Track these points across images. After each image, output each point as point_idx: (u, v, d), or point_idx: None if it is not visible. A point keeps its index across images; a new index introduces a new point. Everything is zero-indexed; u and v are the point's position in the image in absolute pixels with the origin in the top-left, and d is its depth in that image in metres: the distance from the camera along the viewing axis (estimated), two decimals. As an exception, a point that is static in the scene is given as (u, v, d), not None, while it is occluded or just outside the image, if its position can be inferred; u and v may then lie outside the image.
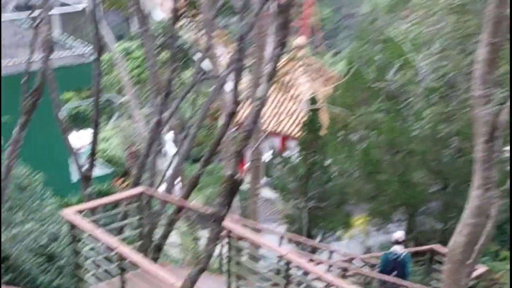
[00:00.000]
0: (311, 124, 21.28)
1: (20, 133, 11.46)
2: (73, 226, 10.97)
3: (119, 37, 27.96)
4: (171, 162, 15.23)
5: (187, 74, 23.90)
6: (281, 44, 10.05)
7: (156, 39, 17.74)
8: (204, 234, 12.51)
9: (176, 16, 15.77)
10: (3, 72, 18.18)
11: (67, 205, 14.84)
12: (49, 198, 13.93)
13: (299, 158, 21.62)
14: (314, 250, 17.85)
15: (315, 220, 20.97)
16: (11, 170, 11.76)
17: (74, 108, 25.84)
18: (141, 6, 15.24)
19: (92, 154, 14.66)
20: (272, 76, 11.61)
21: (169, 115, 15.33)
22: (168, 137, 18.23)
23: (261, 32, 17.63)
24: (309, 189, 20.87)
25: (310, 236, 20.15)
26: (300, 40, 30.87)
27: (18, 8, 24.82)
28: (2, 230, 12.07)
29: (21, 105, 11.25)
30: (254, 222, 14.92)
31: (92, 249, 10.90)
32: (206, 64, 21.26)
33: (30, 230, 12.10)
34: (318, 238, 21.15)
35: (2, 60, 19.00)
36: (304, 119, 22.31)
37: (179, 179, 15.51)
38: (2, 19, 22.24)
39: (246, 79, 19.22)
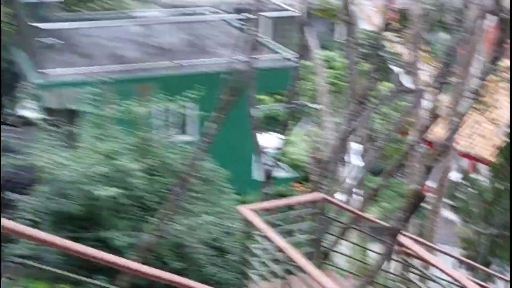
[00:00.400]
0: (506, 149, 20.27)
1: (213, 128, 11.91)
2: (247, 223, 11.21)
3: (323, 46, 28.14)
4: (353, 172, 15.12)
5: (384, 86, 23.62)
6: (493, 62, 9.66)
7: (360, 49, 17.68)
8: (374, 247, 12.30)
9: (384, 28, 15.70)
10: (208, 69, 19.04)
11: (245, 202, 15.17)
12: (229, 193, 14.33)
13: (488, 183, 20.68)
14: (489, 279, 17.01)
15: (494, 248, 19.93)
16: (199, 162, 12.24)
17: (268, 110, 26.38)
18: (351, 15, 15.31)
19: (278, 156, 14.92)
20: (476, 94, 11.19)
21: (359, 125, 15.25)
22: (354, 146, 18.06)
23: (469, 49, 17.07)
24: (493, 215, 19.91)
25: (486, 263, 19.19)
26: (508, 60, 29.44)
27: (235, 10, 25.84)
28: (181, 219, 12.62)
29: (218, 101, 11.68)
30: (429, 241, 14.47)
31: (261, 248, 11.07)
32: (405, 78, 20.93)
33: (206, 222, 12.52)
34: (495, 267, 20.09)
35: (209, 58, 19.91)
36: (500, 143, 21.31)
37: (358, 189, 15.35)
38: (215, 19, 23.27)
39: (444, 96, 18.71)
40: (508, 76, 28.08)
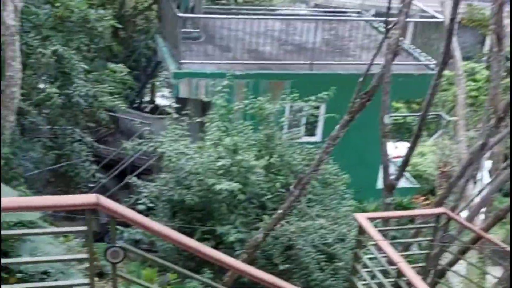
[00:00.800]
0: None
1: (340, 131, 11.68)
2: (361, 231, 10.92)
3: (467, 57, 27.22)
4: (482, 190, 14.44)
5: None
6: None
7: (507, 63, 16.93)
8: (493, 271, 11.70)
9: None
10: (344, 70, 18.80)
11: (364, 210, 14.83)
12: (348, 199, 14.05)
13: None
14: None
15: None
16: (321, 165, 12.05)
17: (400, 118, 25.79)
18: (501, 27, 14.67)
19: (404, 166, 14.45)
20: None
21: (495, 141, 14.58)
22: (487, 163, 17.31)
23: None
24: None
25: None
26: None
27: (378, 14, 25.48)
28: (296, 221, 12.47)
29: (350, 104, 11.47)
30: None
31: (373, 258, 10.76)
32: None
33: (321, 226, 12.31)
34: None
35: (346, 59, 19.66)
36: None
37: (485, 209, 14.70)
38: (358, 20, 22.96)
39: None
40: None
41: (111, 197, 18.34)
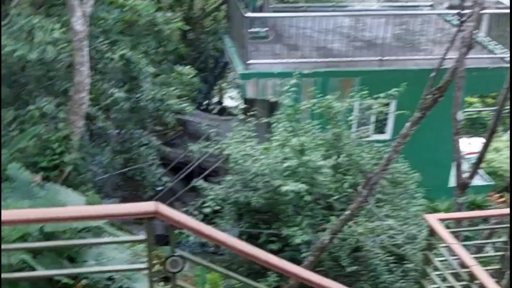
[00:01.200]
0: None
1: (411, 128, 11.37)
2: (432, 232, 10.58)
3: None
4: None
5: None
6: None
7: None
8: None
9: None
10: (416, 65, 18.39)
11: (435, 209, 14.37)
12: (419, 198, 13.66)
13: None
14: None
15: None
16: (391, 163, 11.76)
17: (475, 113, 25.04)
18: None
19: (478, 163, 14.00)
20: None
21: None
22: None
23: None
24: None
25: None
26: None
27: (451, 6, 24.85)
28: (364, 221, 12.19)
29: (421, 100, 11.17)
30: None
31: (444, 260, 10.42)
32: None
33: (390, 226, 12.00)
34: None
35: (418, 54, 19.20)
36: None
37: None
38: (430, 13, 22.45)
39: None
40: None
41: (178, 200, 18.43)
